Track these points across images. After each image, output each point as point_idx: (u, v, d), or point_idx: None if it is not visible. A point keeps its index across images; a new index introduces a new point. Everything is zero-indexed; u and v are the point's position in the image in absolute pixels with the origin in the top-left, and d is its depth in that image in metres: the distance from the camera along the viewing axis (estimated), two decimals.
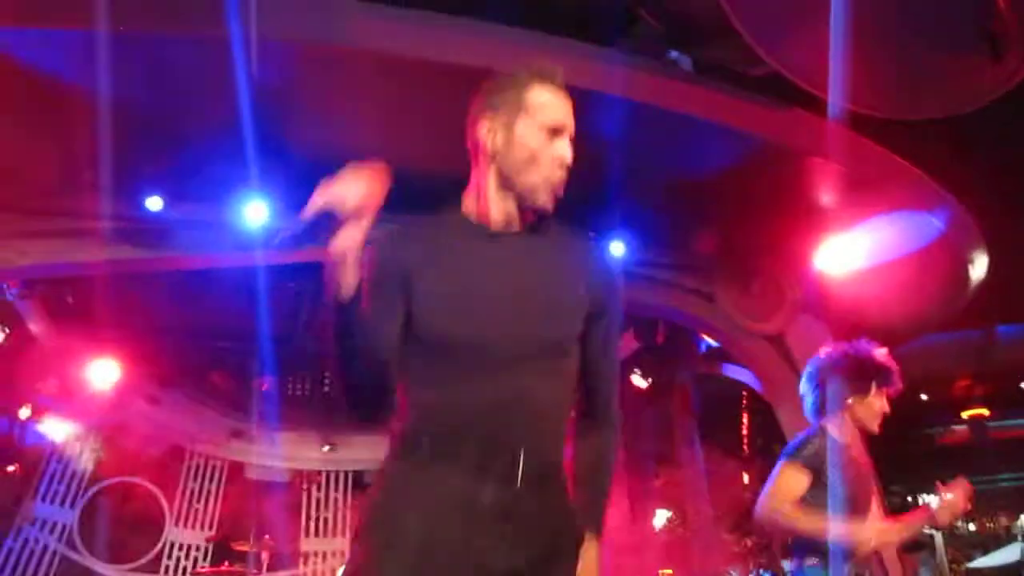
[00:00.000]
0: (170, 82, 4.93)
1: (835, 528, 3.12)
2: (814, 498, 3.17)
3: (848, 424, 3.31)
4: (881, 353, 3.36)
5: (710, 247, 6.54)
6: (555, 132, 1.86)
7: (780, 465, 3.27)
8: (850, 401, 3.30)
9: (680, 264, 6.64)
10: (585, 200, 6.05)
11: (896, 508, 13.29)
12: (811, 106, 5.34)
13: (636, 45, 5.55)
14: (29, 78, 4.73)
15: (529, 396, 1.78)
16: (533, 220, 1.89)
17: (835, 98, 4.83)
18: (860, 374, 3.32)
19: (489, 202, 1.87)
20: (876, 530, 3.20)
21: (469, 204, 1.90)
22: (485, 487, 1.74)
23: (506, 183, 1.85)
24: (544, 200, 1.84)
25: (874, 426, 3.33)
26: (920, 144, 5.92)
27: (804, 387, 3.44)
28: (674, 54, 5.75)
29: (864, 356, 3.34)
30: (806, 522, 3.15)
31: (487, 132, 1.87)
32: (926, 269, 6.68)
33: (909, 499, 14.08)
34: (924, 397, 13.48)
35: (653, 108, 5.19)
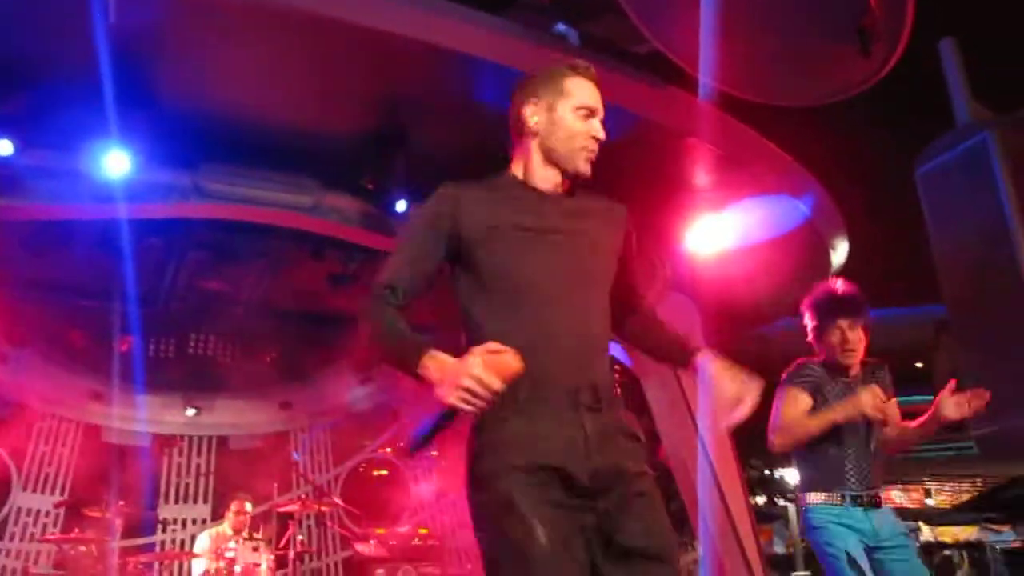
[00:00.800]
0: (21, 18, 4.58)
1: (839, 409, 3.45)
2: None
3: (835, 351, 3.60)
4: (837, 288, 3.68)
5: None
6: (590, 112, 2.26)
7: (782, 390, 3.60)
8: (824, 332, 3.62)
9: None
10: (475, 165, 6.03)
11: (755, 483, 13.91)
12: (691, 88, 5.44)
13: (523, 15, 5.52)
14: None
15: (590, 330, 2.16)
16: (571, 187, 2.29)
17: (706, 78, 4.93)
18: (820, 309, 3.66)
19: (534, 173, 2.28)
20: (872, 392, 3.38)
21: (517, 174, 2.30)
22: (582, 417, 2.04)
23: (549, 156, 2.26)
24: (583, 167, 2.24)
25: (840, 356, 3.60)
26: (791, 130, 6.13)
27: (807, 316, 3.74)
28: (561, 27, 5.75)
29: (823, 292, 3.69)
30: (816, 420, 3.49)
31: (531, 115, 2.27)
32: (791, 252, 6.95)
33: (767, 472, 14.70)
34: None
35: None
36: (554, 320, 2.10)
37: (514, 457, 1.99)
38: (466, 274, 2.20)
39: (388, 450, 10.20)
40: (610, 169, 6.13)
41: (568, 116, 2.25)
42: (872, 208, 7.96)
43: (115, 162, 5.23)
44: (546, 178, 2.27)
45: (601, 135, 2.26)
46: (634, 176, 6.07)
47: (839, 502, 3.49)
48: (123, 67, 4.58)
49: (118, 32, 4.35)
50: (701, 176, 6.03)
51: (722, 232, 6.50)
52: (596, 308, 2.21)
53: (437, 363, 1.94)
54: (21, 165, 5.25)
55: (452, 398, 1.85)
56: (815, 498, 3.55)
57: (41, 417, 8.75)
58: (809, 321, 3.71)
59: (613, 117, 5.43)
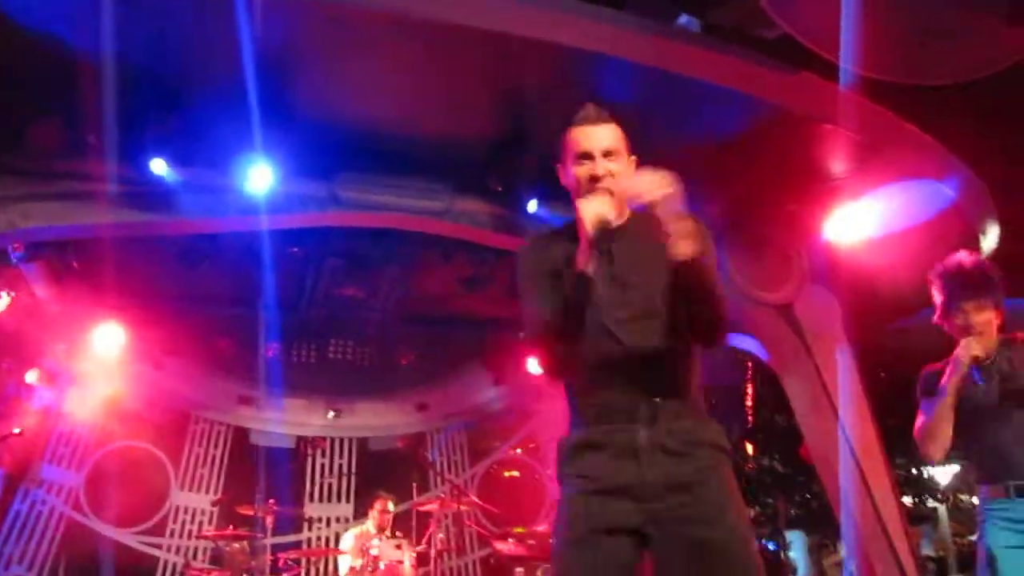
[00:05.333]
0: (174, 43, 4.87)
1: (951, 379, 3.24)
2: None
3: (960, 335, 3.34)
4: (964, 262, 3.44)
5: (720, 214, 6.47)
6: (585, 157, 2.42)
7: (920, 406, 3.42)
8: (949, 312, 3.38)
9: None
10: None
11: (901, 482, 13.30)
12: (822, 71, 5.26)
13: (645, 8, 5.47)
14: (32, 41, 4.68)
15: (648, 352, 2.32)
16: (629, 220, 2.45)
17: (846, 62, 4.75)
18: (947, 286, 3.41)
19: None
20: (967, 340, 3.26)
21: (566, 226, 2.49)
22: (638, 432, 2.28)
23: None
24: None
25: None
26: (937, 113, 5.82)
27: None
28: (684, 18, 5.66)
29: (950, 266, 3.44)
30: (937, 406, 3.26)
31: (563, 177, 2.52)
32: (937, 239, 6.60)
33: (914, 471, 14.07)
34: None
35: (661, 72, 5.12)
36: (613, 360, 2.34)
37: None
38: None
39: (519, 451, 10.28)
40: (743, 159, 6.03)
41: (575, 169, 2.44)
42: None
43: (259, 176, 5.48)
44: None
45: (596, 171, 2.40)
46: (768, 166, 5.96)
47: (1003, 495, 3.23)
48: (265, 84, 4.80)
49: (261, 51, 4.54)
50: (839, 163, 5.82)
51: (863, 221, 6.25)
52: (657, 332, 2.35)
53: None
54: (173, 183, 5.57)
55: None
56: (981, 492, 3.35)
57: (195, 421, 9.25)
58: (936, 295, 3.46)
59: (742, 106, 5.38)
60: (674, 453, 2.27)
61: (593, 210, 2.29)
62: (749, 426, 13.34)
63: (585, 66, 5.15)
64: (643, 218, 2.37)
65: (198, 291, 8.13)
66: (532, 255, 2.53)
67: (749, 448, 13.91)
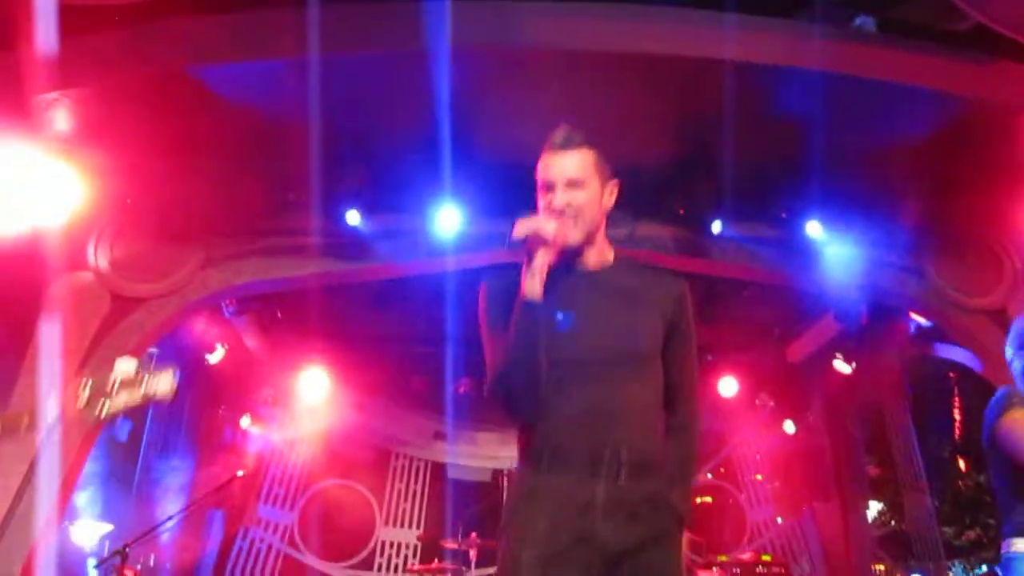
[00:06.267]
0: (365, 98, 5.15)
1: None
2: None
3: None
4: None
5: (917, 219, 6.12)
6: (547, 188, 2.31)
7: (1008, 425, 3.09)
8: None
9: (884, 240, 6.23)
10: (783, 178, 5.87)
11: None
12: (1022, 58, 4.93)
13: (818, 14, 5.31)
14: (236, 107, 5.08)
15: (621, 403, 2.19)
16: (618, 260, 2.40)
17: None
18: None
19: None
20: None
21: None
22: (597, 486, 2.13)
23: None
24: (562, 240, 2.23)
25: None
26: None
27: (1010, 351, 3.33)
28: (859, 19, 5.45)
29: None
30: None
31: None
32: None
33: None
34: None
35: (846, 77, 4.95)
36: (583, 404, 2.20)
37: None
38: None
39: (709, 475, 10.04)
40: (944, 159, 5.71)
41: (540, 199, 2.34)
42: None
43: (448, 219, 5.69)
44: (575, 259, 2.35)
45: (556, 204, 2.27)
46: (971, 164, 5.61)
47: None
48: (448, 130, 4.98)
49: (443, 98, 4.74)
50: None
51: None
52: (633, 384, 2.25)
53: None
54: (368, 231, 5.87)
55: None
56: None
57: (395, 457, 9.62)
58: None
59: (939, 103, 5.10)
60: (631, 513, 2.15)
61: (530, 226, 2.18)
62: (959, 441, 12.52)
63: (760, 80, 5.05)
64: (625, 265, 2.38)
65: (392, 332, 8.49)
66: (492, 295, 2.37)
67: (962, 464, 13.02)
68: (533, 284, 2.18)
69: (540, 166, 2.34)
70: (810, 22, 5.18)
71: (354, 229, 5.81)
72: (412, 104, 4.88)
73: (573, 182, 2.30)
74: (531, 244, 2.17)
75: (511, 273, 2.30)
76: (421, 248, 6.00)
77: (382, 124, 5.42)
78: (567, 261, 2.32)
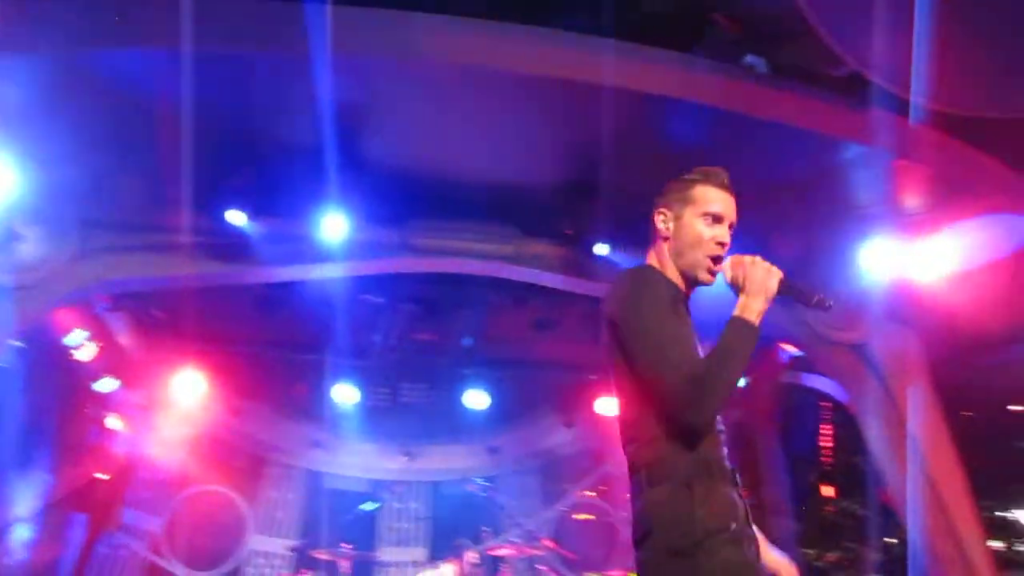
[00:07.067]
0: (252, 100, 5.04)
1: None
2: None
3: None
4: None
5: (791, 253, 6.36)
6: (716, 219, 2.41)
7: None
8: None
9: None
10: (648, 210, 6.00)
11: (989, 527, 12.75)
12: (893, 107, 5.19)
13: (711, 50, 5.48)
14: (117, 97, 4.89)
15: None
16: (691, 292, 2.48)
17: (919, 98, 4.68)
18: None
19: (669, 272, 2.45)
20: None
21: (656, 269, 2.46)
22: (738, 495, 2.36)
23: (677, 260, 2.44)
24: (704, 277, 2.41)
25: None
26: (1017, 146, 5.67)
27: None
28: (750, 58, 5.66)
29: None
30: None
31: (661, 221, 2.47)
32: (1021, 274, 6.40)
33: (998, 514, 13.48)
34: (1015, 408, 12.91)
35: (732, 113, 5.12)
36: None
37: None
38: None
39: (590, 494, 10.15)
40: (819, 198, 5.92)
41: (695, 223, 2.41)
42: None
43: (334, 225, 5.61)
44: (677, 278, 2.45)
45: (726, 240, 2.41)
46: (845, 203, 5.88)
47: None
48: (339, 136, 4.93)
49: (334, 105, 4.68)
50: (915, 199, 5.70)
51: (942, 256, 6.08)
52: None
53: (743, 301, 2.28)
54: (252, 233, 5.74)
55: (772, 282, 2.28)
56: None
57: (271, 465, 9.38)
58: None
59: (818, 145, 5.33)
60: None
61: (766, 267, 2.32)
62: (826, 469, 12.99)
63: (653, 109, 5.17)
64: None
65: (273, 338, 8.31)
66: (667, 288, 2.39)
67: (829, 491, 13.53)
68: (761, 308, 2.28)
69: (707, 196, 2.42)
70: (703, 57, 5.36)
71: (238, 230, 5.67)
72: (302, 109, 4.80)
73: (732, 225, 2.45)
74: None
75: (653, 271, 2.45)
76: (306, 253, 5.91)
77: (271, 128, 5.33)
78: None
